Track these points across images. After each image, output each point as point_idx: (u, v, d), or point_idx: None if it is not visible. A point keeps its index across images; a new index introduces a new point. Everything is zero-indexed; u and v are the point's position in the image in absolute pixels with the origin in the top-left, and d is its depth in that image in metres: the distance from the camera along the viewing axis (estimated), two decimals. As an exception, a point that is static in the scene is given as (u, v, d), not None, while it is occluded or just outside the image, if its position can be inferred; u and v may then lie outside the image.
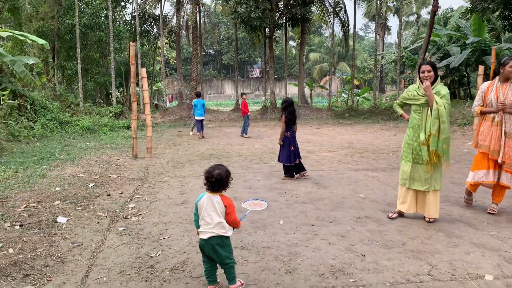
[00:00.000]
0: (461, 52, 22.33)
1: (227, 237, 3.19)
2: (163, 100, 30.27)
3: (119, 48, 25.19)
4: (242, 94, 15.71)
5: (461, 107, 17.80)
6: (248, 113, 15.26)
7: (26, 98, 14.11)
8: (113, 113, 19.55)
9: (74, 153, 10.07)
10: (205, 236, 3.16)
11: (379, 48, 48.85)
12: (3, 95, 12.78)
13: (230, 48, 53.37)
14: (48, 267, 3.73)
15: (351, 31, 28.22)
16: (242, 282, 3.33)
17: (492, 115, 5.08)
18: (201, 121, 14.49)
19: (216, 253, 3.16)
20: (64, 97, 19.52)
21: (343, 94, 34.59)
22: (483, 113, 5.19)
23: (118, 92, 25.45)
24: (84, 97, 20.03)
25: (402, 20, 50.84)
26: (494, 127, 5.04)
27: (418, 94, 4.79)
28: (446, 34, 24.64)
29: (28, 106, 13.89)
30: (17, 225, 4.76)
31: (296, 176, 7.43)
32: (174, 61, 47.16)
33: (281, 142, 7.54)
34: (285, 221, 4.97)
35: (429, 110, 4.68)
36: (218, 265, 3.27)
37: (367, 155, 9.90)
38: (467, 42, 21.80)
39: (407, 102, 4.97)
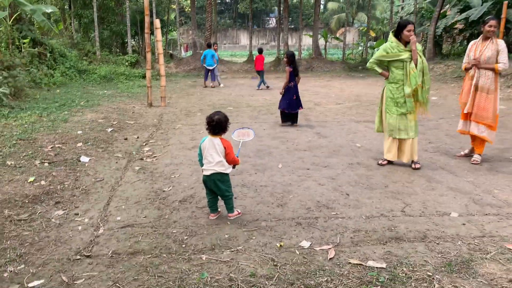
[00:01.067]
0: (482, 5, 21.81)
1: (227, 174, 3.74)
2: (177, 50, 30.42)
3: (135, -4, 25.17)
4: (259, 49, 15.85)
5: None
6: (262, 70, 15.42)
7: (45, 46, 14.58)
8: (129, 62, 19.95)
9: (93, 100, 10.66)
10: (208, 173, 3.71)
11: (400, -2, 47.36)
12: (24, 43, 13.25)
13: (246, -4, 52.27)
14: (75, 197, 4.37)
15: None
16: (239, 211, 3.91)
17: (470, 71, 5.50)
18: (211, 70, 15.07)
19: (217, 187, 3.72)
20: (82, 45, 19.92)
21: (359, 47, 34.12)
22: (466, 70, 5.58)
23: (134, 41, 25.65)
24: (100, 45, 20.38)
25: (426, -31, 48.86)
26: (468, 81, 5.45)
27: (399, 51, 5.14)
28: (468, -15, 23.93)
29: (48, 54, 14.37)
30: (46, 162, 5.40)
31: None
32: (189, 9, 46.66)
33: (282, 92, 8.21)
34: (283, 165, 5.51)
35: (413, 64, 5.06)
36: (219, 197, 3.85)
37: (371, 108, 10.26)
38: (489, -7, 21.23)
39: (387, 59, 5.27)
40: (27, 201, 4.15)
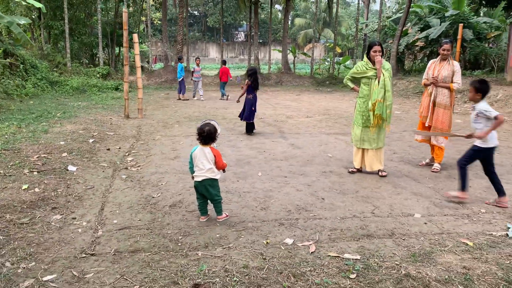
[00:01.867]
0: (440, 24, 23.17)
1: (216, 179, 4.13)
2: (148, 62, 30.50)
3: (105, 8, 25.22)
4: (223, 61, 17.71)
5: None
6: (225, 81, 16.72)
7: (17, 57, 14.53)
8: (100, 74, 19.98)
9: (70, 112, 10.78)
10: (199, 179, 4.09)
11: (364, 16, 49.24)
12: (-4, 54, 13.20)
13: (215, 10, 52.97)
14: (69, 203, 4.63)
15: (335, -2, 28.61)
16: (227, 214, 4.30)
17: (429, 87, 6.19)
18: (181, 82, 15.78)
19: (207, 191, 4.10)
20: (52, 56, 19.82)
21: (326, 62, 35.25)
22: (425, 85, 6.27)
23: (104, 53, 25.64)
24: (70, 57, 20.34)
25: (388, -12, 51.03)
26: (427, 97, 6.12)
27: (366, 69, 5.75)
28: (428, 5, 25.33)
29: (21, 66, 14.32)
30: (35, 171, 5.61)
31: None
32: (159, 21, 46.80)
33: (239, 101, 9.52)
34: (262, 173, 5.93)
35: (377, 81, 5.64)
36: (208, 201, 4.22)
37: (340, 121, 10.88)
38: (447, 14, 22.59)
39: (357, 76, 5.90)
40: (25, 207, 4.38)
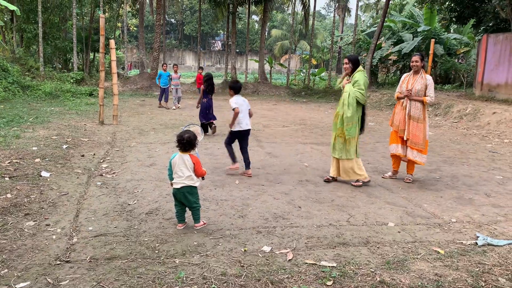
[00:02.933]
0: (413, 39, 23.88)
1: (195, 187, 4.13)
2: (123, 68, 30.20)
3: (80, 13, 24.90)
4: (200, 68, 18.18)
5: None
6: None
7: (-13, 60, 14.14)
8: (74, 79, 19.64)
9: (42, 117, 10.56)
10: (178, 186, 4.08)
11: (339, 29, 50.19)
12: (-34, 56, 12.81)
13: (192, 19, 53.01)
14: (43, 209, 4.54)
15: (311, 9, 29.10)
16: (205, 222, 4.29)
17: (402, 100, 6.31)
18: (166, 89, 15.54)
19: (186, 198, 4.09)
20: (24, 60, 19.38)
21: (301, 73, 35.69)
22: (398, 99, 6.40)
23: (78, 58, 25.25)
24: (43, 61, 19.93)
25: (363, 2, 52.31)
26: (401, 110, 6.26)
27: (341, 81, 6.06)
28: (401, 20, 26.08)
29: (-9, 68, 13.95)
30: (6, 176, 5.47)
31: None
32: (135, 28, 46.46)
33: (199, 106, 10.20)
34: (240, 182, 5.96)
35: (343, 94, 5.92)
36: (186, 209, 4.21)
37: (316, 131, 11.04)
38: (419, 29, 23.30)
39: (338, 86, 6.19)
40: (-4, 213, 4.27)
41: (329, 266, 3.44)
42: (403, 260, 3.63)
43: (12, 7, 10.20)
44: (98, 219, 4.36)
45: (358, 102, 5.85)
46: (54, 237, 3.85)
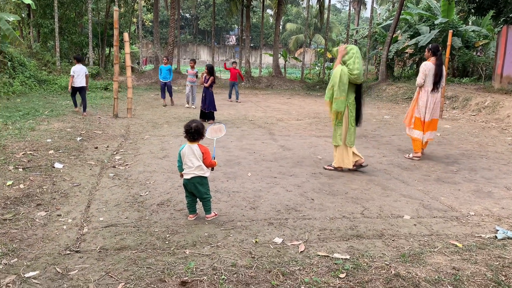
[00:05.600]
0: (429, 32, 23.41)
1: (205, 177, 4.07)
2: (138, 63, 30.31)
3: (96, 8, 25.05)
4: (233, 62, 18.14)
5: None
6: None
7: (5, 54, 14.32)
8: (90, 73, 19.75)
9: (57, 110, 10.64)
10: (188, 177, 4.03)
11: (355, 22, 49.58)
12: (-17, 50, 13.00)
13: (207, 13, 52.98)
14: (55, 200, 4.54)
15: (327, 3, 28.77)
16: (216, 213, 4.24)
17: None
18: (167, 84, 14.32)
19: (196, 189, 4.04)
20: (41, 55, 19.59)
21: (316, 67, 35.39)
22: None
23: (94, 53, 25.44)
24: (60, 56, 20.12)
25: (379, -4, 51.56)
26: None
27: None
28: (417, 13, 25.58)
29: (9, 63, 14.12)
30: (20, 168, 5.50)
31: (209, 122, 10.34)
32: (150, 23, 46.60)
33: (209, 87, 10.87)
34: (252, 174, 5.89)
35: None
36: (197, 199, 4.16)
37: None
38: (436, 22, 22.82)
39: None
40: (9, 203, 4.28)
41: (342, 259, 3.36)
42: (419, 253, 3.52)
43: (27, 0, 10.27)
44: (109, 209, 4.34)
45: (350, 82, 5.94)
46: (64, 227, 3.84)
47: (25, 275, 2.96)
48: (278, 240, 3.69)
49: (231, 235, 3.78)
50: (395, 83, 21.66)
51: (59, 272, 3.02)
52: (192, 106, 13.76)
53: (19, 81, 14.55)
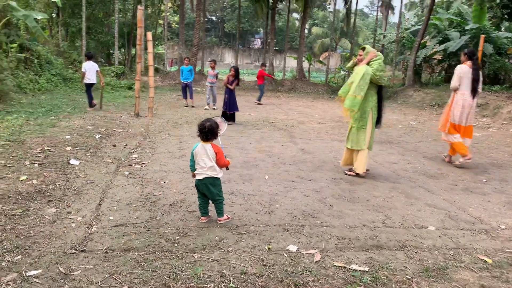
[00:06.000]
0: (460, 38, 22.72)
1: (218, 178, 3.91)
2: (163, 64, 30.57)
3: (123, 9, 25.37)
4: (262, 64, 17.68)
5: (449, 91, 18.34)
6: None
7: (32, 52, 14.57)
8: (115, 73, 20.00)
9: (80, 108, 10.71)
10: (200, 177, 3.87)
11: (382, 27, 48.84)
12: (12, 47, 13.23)
13: (233, 16, 53.10)
14: (67, 196, 4.45)
15: (353, 7, 28.40)
16: (229, 216, 4.07)
17: None
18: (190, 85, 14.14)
19: (209, 190, 3.88)
20: (68, 54, 19.91)
21: (341, 71, 34.94)
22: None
23: (120, 53, 25.76)
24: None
25: (408, 0, 50.71)
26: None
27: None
28: (447, 18, 24.90)
29: (35, 60, 14.35)
30: (36, 163, 5.45)
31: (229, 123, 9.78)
32: (176, 25, 47.03)
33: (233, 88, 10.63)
34: (269, 177, 5.70)
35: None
36: (210, 201, 4.00)
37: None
38: (467, 28, 22.15)
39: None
40: (20, 198, 4.22)
41: (360, 270, 3.13)
42: (444, 268, 3.27)
43: (53, -3, 10.39)
44: (121, 208, 4.22)
45: (372, 83, 5.70)
46: (73, 225, 3.74)
47: (26, 274, 2.85)
48: (293, 247, 3.49)
49: (243, 240, 3.60)
50: (423, 89, 21.10)
51: (61, 272, 2.90)
52: (214, 107, 13.59)
53: (45, 79, 14.77)
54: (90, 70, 10.97)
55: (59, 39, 21.75)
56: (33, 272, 2.87)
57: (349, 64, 6.20)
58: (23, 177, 4.79)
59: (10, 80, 10.91)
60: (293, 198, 4.81)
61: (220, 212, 3.98)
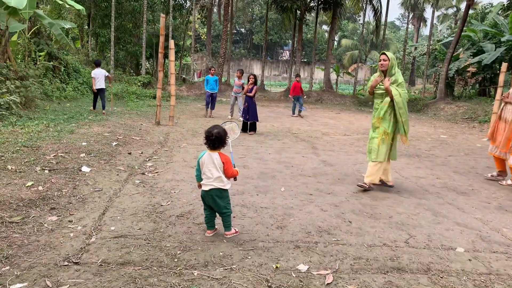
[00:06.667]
0: (495, 50, 21.86)
1: (226, 190, 3.64)
2: (190, 75, 30.80)
3: (152, 19, 25.71)
4: (297, 75, 16.96)
5: (486, 105, 17.60)
6: (297, 95, 15.82)
7: (60, 60, 14.82)
8: (142, 82, 20.18)
9: (101, 115, 10.68)
10: (206, 188, 3.61)
11: (413, 40, 47.93)
12: (40, 56, 13.47)
13: (261, 28, 53.31)
14: (71, 204, 4.28)
15: (383, 18, 27.90)
16: (237, 230, 3.78)
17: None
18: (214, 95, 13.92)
19: (215, 202, 3.61)
20: (96, 63, 20.23)
21: (370, 83, 34.21)
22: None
23: (148, 63, 26.07)
24: (115, 65, 20.69)
25: (441, 12, 49.67)
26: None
27: (379, 85, 5.50)
28: (482, 30, 24.05)
29: (62, 69, 14.58)
30: (47, 169, 5.34)
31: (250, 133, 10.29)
32: (205, 37, 47.58)
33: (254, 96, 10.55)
34: (286, 189, 5.39)
35: (387, 98, 5.42)
36: (217, 214, 3.73)
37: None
38: (503, 39, 21.30)
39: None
40: (21, 205, 4.06)
41: (376, 296, 2.78)
42: (474, 297, 2.88)
43: (78, 6, 10.51)
44: (124, 218, 4.00)
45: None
46: (72, 234, 3.54)
47: (11, 287, 2.64)
48: (303, 267, 3.17)
49: (249, 257, 3.30)
50: (455, 102, 20.35)
51: (48, 286, 2.68)
52: (240, 119, 13.30)
53: (71, 87, 14.98)
54: (99, 76, 11.77)
55: (89, 49, 22.16)
56: (17, 286, 2.67)
57: (371, 83, 5.74)
58: (29, 183, 4.66)
59: (35, 88, 11.03)
60: (309, 213, 4.48)
61: (227, 226, 3.70)
